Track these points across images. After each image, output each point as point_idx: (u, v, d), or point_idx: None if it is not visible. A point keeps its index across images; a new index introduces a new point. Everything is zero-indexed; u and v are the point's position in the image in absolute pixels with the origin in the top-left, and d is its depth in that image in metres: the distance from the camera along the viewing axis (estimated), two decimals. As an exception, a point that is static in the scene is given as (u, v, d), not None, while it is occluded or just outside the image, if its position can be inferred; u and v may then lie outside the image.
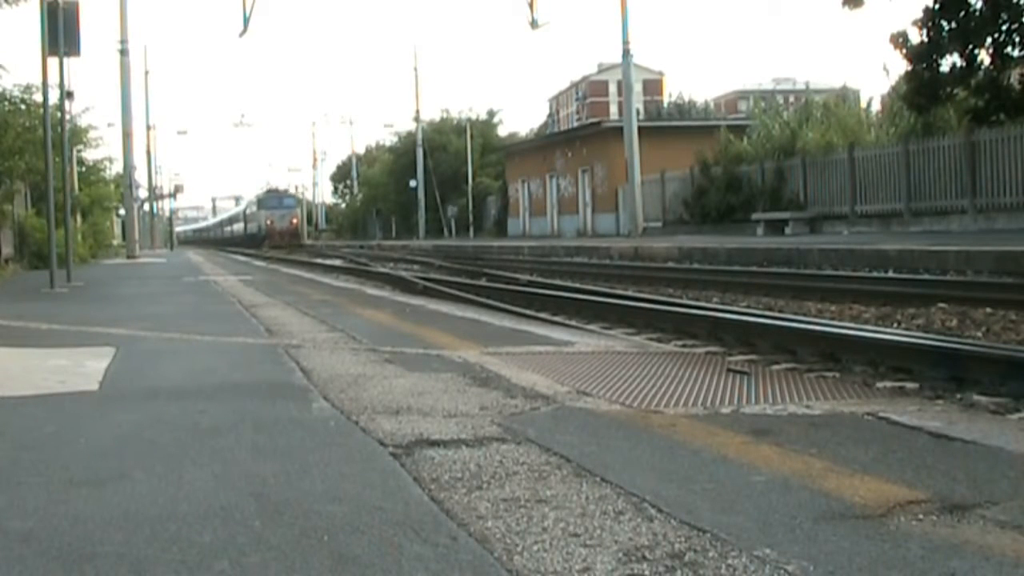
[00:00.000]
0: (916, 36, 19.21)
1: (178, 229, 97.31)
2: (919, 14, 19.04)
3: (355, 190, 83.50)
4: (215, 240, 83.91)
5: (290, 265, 24.14)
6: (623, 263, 19.21)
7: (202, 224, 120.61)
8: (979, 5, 18.81)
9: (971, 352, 5.37)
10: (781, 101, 46.45)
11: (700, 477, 2.65)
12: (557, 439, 3.12)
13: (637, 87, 47.23)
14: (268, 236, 56.54)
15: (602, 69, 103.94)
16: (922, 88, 19.38)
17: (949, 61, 19.11)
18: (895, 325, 8.09)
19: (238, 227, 72.75)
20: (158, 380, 4.72)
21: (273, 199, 61.28)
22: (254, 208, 64.01)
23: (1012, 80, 19.24)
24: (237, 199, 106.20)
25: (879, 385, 4.98)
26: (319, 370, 4.77)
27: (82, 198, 29.66)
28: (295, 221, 59.36)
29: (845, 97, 33.19)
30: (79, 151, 28.65)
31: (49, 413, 3.86)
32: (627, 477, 2.64)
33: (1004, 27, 18.69)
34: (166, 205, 72.42)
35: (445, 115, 66.43)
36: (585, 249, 23.83)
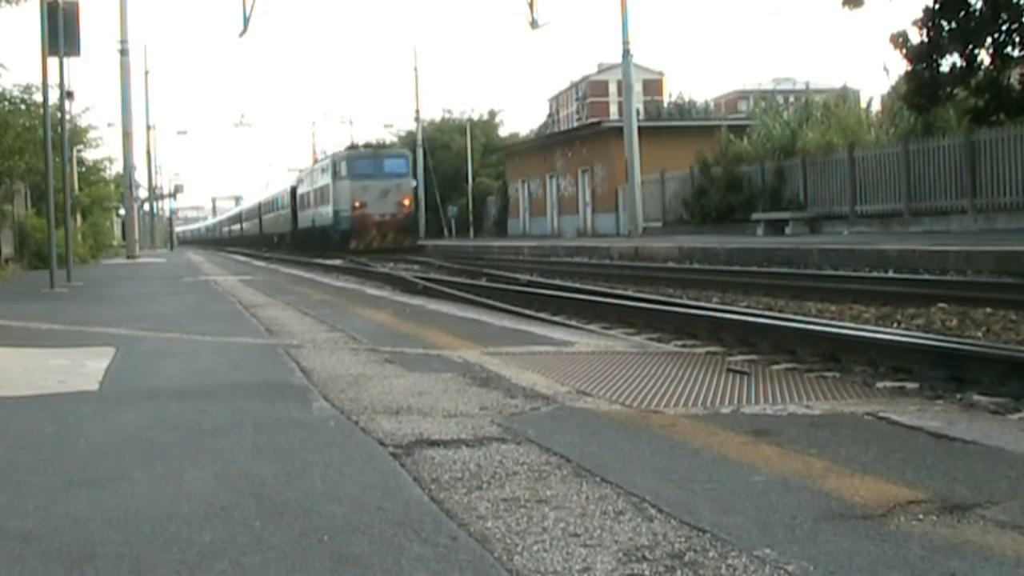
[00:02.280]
0: (916, 36, 19.23)
1: (181, 228, 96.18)
2: (919, 14, 19.05)
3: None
4: (235, 241, 64.35)
5: (290, 265, 24.13)
6: (623, 263, 19.21)
7: (214, 220, 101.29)
8: (979, 5, 18.80)
9: (971, 352, 5.37)
10: (781, 101, 46.32)
11: (700, 477, 2.65)
12: (557, 439, 3.12)
13: (637, 87, 47.27)
14: (356, 230, 33.70)
15: (602, 69, 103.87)
16: (922, 88, 19.38)
17: (949, 61, 19.12)
18: (895, 325, 8.09)
19: (278, 217, 48.25)
20: (158, 380, 4.72)
21: (367, 161, 35.07)
22: (327, 178, 36.69)
23: (1012, 80, 19.25)
24: (237, 199, 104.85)
25: (879, 385, 4.99)
26: (319, 370, 4.77)
27: (82, 198, 29.72)
28: (408, 202, 35.27)
29: (845, 97, 33.12)
30: (79, 151, 28.75)
31: (49, 413, 3.86)
32: (627, 477, 2.64)
33: (1004, 27, 18.68)
34: (166, 205, 72.21)
35: (448, 115, 66.18)
36: (585, 249, 23.84)
